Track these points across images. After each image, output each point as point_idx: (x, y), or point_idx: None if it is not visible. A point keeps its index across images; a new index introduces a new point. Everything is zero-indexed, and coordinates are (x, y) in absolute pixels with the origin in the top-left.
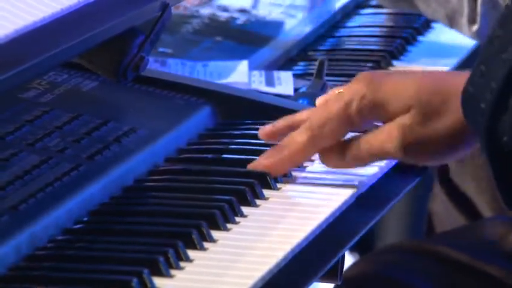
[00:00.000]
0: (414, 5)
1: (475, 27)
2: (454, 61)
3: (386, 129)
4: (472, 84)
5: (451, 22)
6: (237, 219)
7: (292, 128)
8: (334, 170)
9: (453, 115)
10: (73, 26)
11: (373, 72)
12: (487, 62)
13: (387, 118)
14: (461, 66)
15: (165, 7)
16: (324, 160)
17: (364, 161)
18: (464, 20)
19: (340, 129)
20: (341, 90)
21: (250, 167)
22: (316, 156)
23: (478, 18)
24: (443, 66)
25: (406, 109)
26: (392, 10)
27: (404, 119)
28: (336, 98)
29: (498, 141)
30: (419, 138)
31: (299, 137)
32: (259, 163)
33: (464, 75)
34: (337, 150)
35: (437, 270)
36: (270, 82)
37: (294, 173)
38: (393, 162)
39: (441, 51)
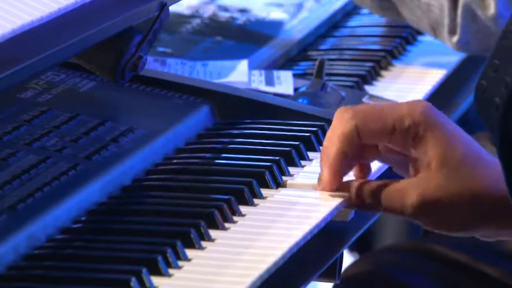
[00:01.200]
0: (400, 14)
1: (455, 39)
2: (454, 61)
3: (410, 183)
4: (485, 79)
5: (435, 32)
6: (235, 218)
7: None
8: None
9: (478, 195)
10: (71, 25)
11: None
12: (500, 56)
13: (416, 162)
14: (461, 66)
15: (162, 7)
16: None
17: (380, 211)
18: (445, 31)
19: (380, 133)
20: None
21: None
22: (314, 156)
23: (458, 30)
24: (443, 66)
25: (438, 166)
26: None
27: (432, 178)
28: (393, 106)
29: None
30: (437, 202)
31: (345, 127)
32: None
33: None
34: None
35: (435, 270)
36: (269, 82)
37: (293, 172)
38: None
39: (441, 51)
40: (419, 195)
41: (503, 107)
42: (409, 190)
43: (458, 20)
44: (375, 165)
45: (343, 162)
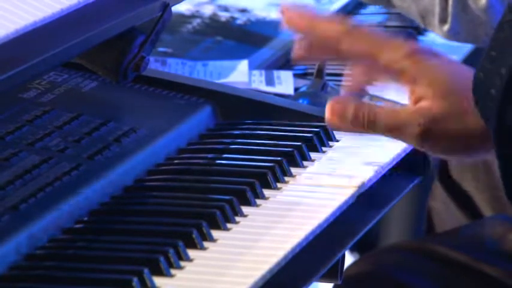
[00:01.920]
0: (391, 2)
1: (445, 27)
2: (455, 59)
3: (412, 112)
4: (482, 70)
5: (424, 20)
6: (237, 218)
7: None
8: (334, 170)
9: (477, 118)
10: (73, 26)
11: (421, 45)
12: (497, 48)
13: (411, 95)
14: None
15: (165, 7)
16: (333, 117)
17: (376, 132)
18: (435, 20)
19: (369, 55)
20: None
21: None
22: (316, 156)
23: (449, 19)
24: None
25: (436, 98)
26: (392, 10)
27: (433, 107)
28: (380, 36)
29: (508, 126)
30: (440, 131)
31: (331, 30)
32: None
33: None
34: (353, 110)
35: (436, 271)
36: (270, 82)
37: (295, 173)
38: (393, 162)
39: (442, 50)
40: (423, 122)
41: (498, 98)
42: (412, 119)
43: (449, 9)
44: (373, 170)
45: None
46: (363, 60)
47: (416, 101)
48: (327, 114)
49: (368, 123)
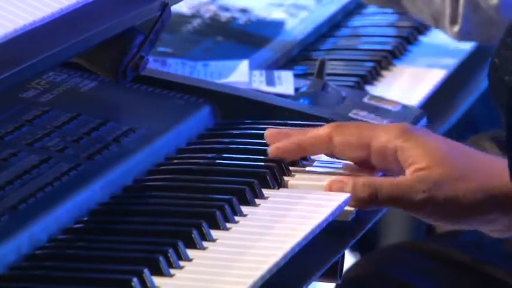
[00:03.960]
0: (401, 5)
1: (456, 28)
2: (455, 61)
3: (412, 180)
4: (498, 57)
5: (436, 22)
6: (237, 218)
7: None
8: (334, 168)
9: (475, 182)
10: (72, 25)
11: (407, 124)
12: None
13: (408, 169)
14: (462, 66)
15: (164, 7)
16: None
17: (379, 204)
18: (446, 21)
19: (358, 151)
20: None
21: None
22: (317, 156)
23: (460, 20)
24: (444, 66)
25: (431, 167)
26: (393, 10)
27: (429, 176)
28: (370, 128)
29: None
30: (441, 196)
31: (323, 131)
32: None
33: (485, 154)
34: (351, 185)
35: (438, 271)
36: (270, 82)
37: (294, 172)
38: None
39: (442, 51)
40: (426, 188)
41: None
42: (415, 186)
43: (460, 9)
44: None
45: (298, 153)
46: (356, 152)
47: (414, 173)
48: (326, 188)
49: (370, 196)
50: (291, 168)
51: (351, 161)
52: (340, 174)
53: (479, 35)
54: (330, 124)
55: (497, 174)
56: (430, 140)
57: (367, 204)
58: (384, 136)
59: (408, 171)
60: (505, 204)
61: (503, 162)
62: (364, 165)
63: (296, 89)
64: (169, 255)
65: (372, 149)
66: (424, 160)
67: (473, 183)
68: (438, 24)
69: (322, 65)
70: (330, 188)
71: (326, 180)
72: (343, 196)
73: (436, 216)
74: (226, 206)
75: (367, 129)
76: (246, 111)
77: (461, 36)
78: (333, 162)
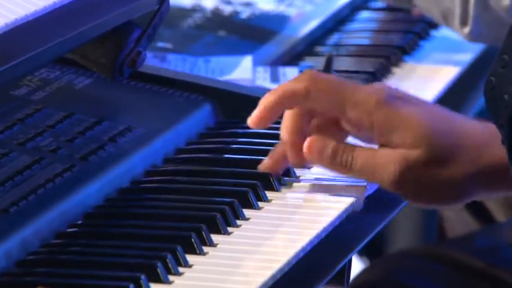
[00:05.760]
0: (412, 2)
1: (466, 29)
2: (468, 57)
3: (387, 157)
4: (494, 75)
5: (446, 21)
6: (239, 222)
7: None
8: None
9: (461, 168)
10: (66, 19)
11: (389, 90)
12: (510, 52)
13: (385, 143)
14: (476, 62)
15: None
16: (312, 153)
17: (351, 173)
18: (456, 21)
19: (333, 110)
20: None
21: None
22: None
23: (470, 21)
24: (458, 62)
25: (412, 145)
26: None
27: (409, 155)
28: (347, 87)
29: None
30: (418, 178)
31: (298, 82)
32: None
33: (477, 124)
34: (332, 149)
35: (450, 277)
36: (275, 78)
37: (299, 174)
38: None
39: (456, 46)
40: (397, 169)
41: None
42: (390, 165)
43: (470, 10)
44: None
45: (278, 111)
46: (330, 111)
47: (394, 147)
48: (305, 149)
49: (345, 163)
50: (296, 169)
51: (321, 118)
52: (343, 182)
53: (490, 35)
54: (305, 76)
55: (487, 149)
56: (412, 113)
57: (338, 169)
58: (360, 108)
59: (386, 146)
60: (494, 181)
61: (494, 129)
62: (335, 126)
63: None
64: (167, 260)
65: (346, 115)
66: (404, 137)
67: (458, 168)
68: (448, 23)
69: (330, 60)
70: (309, 147)
71: (332, 181)
72: (350, 199)
73: (407, 195)
74: (228, 209)
75: (341, 93)
76: (249, 109)
77: (472, 37)
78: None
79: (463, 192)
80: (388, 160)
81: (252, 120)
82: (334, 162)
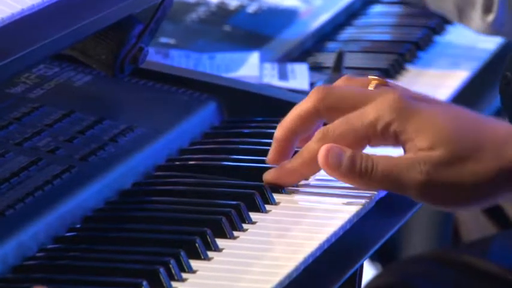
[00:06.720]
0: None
1: (490, 17)
2: (486, 53)
3: (410, 160)
4: (510, 70)
5: (460, 14)
6: (245, 226)
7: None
8: None
9: (484, 164)
10: (65, 14)
11: (405, 94)
12: None
13: (409, 149)
14: (494, 58)
15: None
16: (327, 161)
17: (371, 182)
18: (476, 11)
19: (357, 145)
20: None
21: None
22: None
23: (495, 7)
24: (474, 59)
25: (434, 146)
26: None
27: (432, 156)
28: (359, 115)
29: None
30: (444, 180)
31: (316, 145)
32: (268, 174)
33: (496, 121)
34: (350, 156)
35: (466, 282)
36: (283, 75)
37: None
38: None
39: (473, 41)
40: (424, 172)
41: None
42: (414, 168)
43: None
44: None
45: (294, 139)
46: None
47: (414, 151)
48: (320, 158)
49: (365, 170)
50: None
51: None
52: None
53: (509, 29)
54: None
55: (508, 146)
56: (432, 114)
57: (357, 179)
58: (378, 113)
59: (407, 151)
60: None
61: None
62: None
63: (311, 84)
64: (170, 266)
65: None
66: (425, 139)
67: (481, 165)
68: (461, 17)
69: (341, 57)
70: (327, 153)
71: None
72: (362, 201)
73: (435, 200)
74: (234, 213)
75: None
76: (256, 107)
77: (494, 27)
78: None
79: (488, 192)
80: (411, 164)
81: (269, 158)
82: (353, 171)
